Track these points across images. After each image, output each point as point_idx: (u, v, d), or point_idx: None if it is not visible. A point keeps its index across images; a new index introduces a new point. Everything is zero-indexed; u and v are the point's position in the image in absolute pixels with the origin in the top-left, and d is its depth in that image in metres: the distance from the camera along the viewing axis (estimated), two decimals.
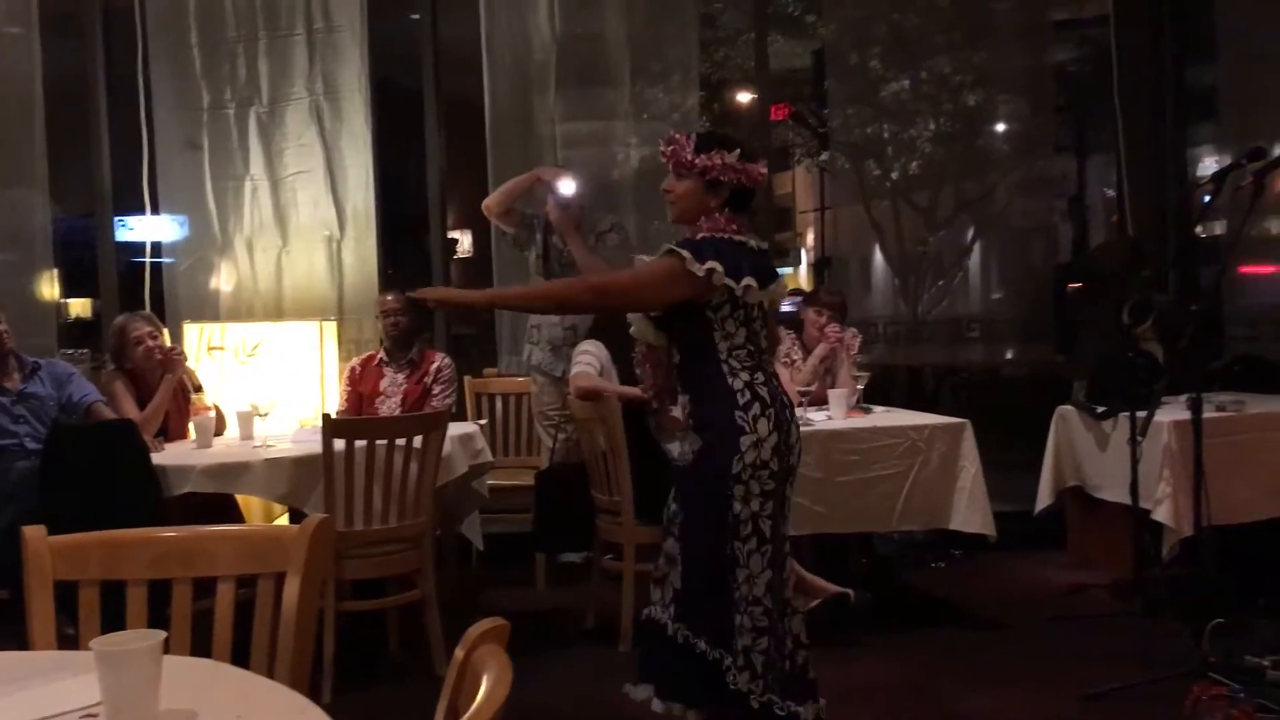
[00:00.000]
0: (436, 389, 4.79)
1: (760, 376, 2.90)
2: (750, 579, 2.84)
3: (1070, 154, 10.25)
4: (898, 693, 3.77)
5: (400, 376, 4.85)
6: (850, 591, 4.22)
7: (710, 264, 2.81)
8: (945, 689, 3.78)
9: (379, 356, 4.93)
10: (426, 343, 5.19)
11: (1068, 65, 7.92)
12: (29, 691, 1.46)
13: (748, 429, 2.82)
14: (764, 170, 3.00)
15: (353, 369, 4.97)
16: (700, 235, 2.92)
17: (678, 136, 2.98)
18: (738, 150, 2.93)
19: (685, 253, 2.82)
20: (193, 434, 4.36)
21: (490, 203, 5.14)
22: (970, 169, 6.70)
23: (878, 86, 6.91)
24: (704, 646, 2.83)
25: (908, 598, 4.95)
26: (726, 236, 2.91)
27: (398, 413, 4.69)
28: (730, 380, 2.86)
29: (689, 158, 2.92)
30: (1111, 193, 8.45)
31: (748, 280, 2.85)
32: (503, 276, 5.96)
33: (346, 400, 4.90)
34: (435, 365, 4.86)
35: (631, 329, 3.03)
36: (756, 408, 2.84)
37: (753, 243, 2.96)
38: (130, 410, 4.30)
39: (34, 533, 1.81)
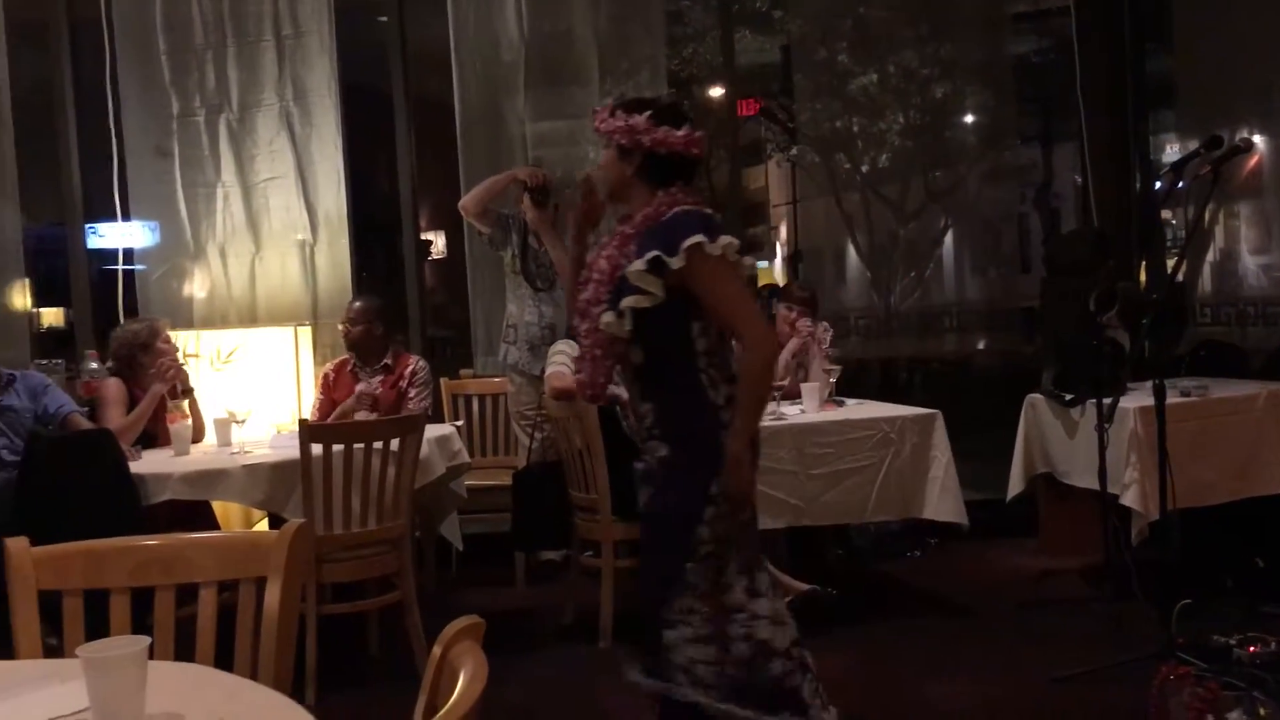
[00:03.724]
0: (412, 392, 4.80)
1: (733, 389, 2.66)
2: (695, 593, 2.63)
3: (1036, 144, 10.38)
4: (871, 682, 3.82)
5: (374, 381, 4.85)
6: (818, 588, 4.29)
7: (726, 239, 2.59)
8: (918, 677, 3.84)
9: (352, 362, 4.93)
10: (401, 345, 5.20)
11: (1031, 56, 8.03)
12: (17, 699, 1.49)
13: (726, 449, 2.59)
14: (683, 135, 2.68)
15: (326, 375, 4.97)
16: (672, 211, 2.65)
17: (597, 109, 2.81)
18: (648, 112, 2.69)
19: (702, 237, 2.55)
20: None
21: (467, 202, 5.17)
22: (939, 160, 6.77)
23: (845, 80, 6.97)
24: (637, 677, 2.66)
25: (882, 588, 5.02)
26: (698, 208, 2.67)
27: (373, 417, 4.70)
28: (711, 394, 2.64)
29: (598, 123, 2.75)
30: (1081, 180, 8.56)
31: (750, 260, 2.66)
32: (477, 276, 5.99)
33: (319, 408, 4.89)
34: (410, 369, 4.86)
35: (602, 320, 2.66)
36: None
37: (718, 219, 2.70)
38: (117, 415, 4.28)
39: (17, 544, 1.84)
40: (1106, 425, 4.07)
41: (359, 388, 4.79)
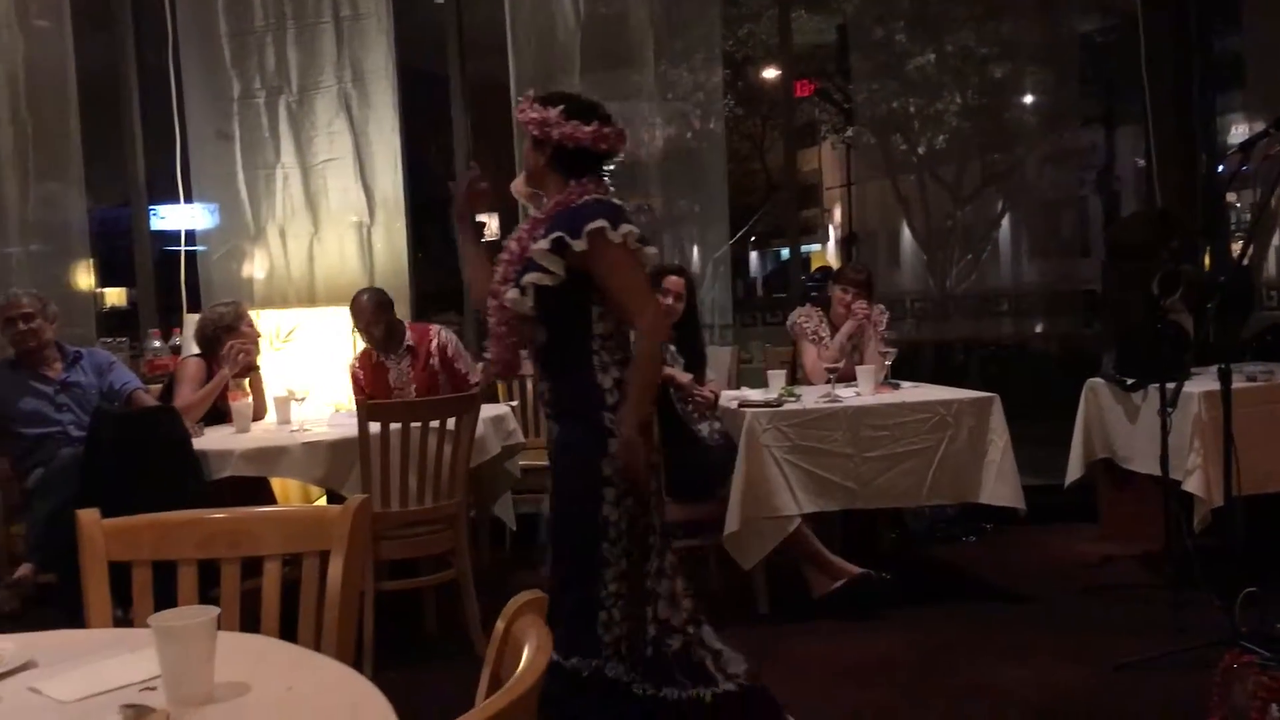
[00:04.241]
0: (460, 365, 4.74)
1: (623, 373, 2.79)
2: (619, 576, 2.79)
3: (1098, 125, 10.18)
4: (923, 666, 3.80)
5: (404, 366, 4.76)
6: (872, 572, 4.26)
7: (628, 228, 2.74)
8: (972, 662, 3.81)
9: (375, 354, 4.81)
10: (413, 320, 5.09)
11: (1094, 35, 7.88)
12: (91, 667, 1.52)
13: (615, 430, 2.73)
14: (591, 130, 2.81)
15: (355, 374, 4.84)
16: (583, 199, 2.80)
17: (520, 99, 2.97)
18: (560, 106, 2.85)
19: (605, 223, 2.71)
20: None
21: (518, 184, 5.16)
22: (997, 142, 6.70)
23: (902, 61, 6.90)
24: (572, 663, 2.76)
25: (936, 572, 4.98)
26: (608, 199, 2.81)
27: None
28: (599, 376, 2.76)
29: (517, 114, 2.94)
30: (1142, 163, 8.40)
31: (629, 228, 2.75)
32: None
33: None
34: (434, 343, 4.77)
35: (507, 297, 2.82)
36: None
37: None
38: (188, 392, 4.33)
39: (88, 515, 1.88)
40: (1170, 410, 4.00)
41: (391, 378, 4.73)
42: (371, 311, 4.74)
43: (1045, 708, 3.43)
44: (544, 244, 2.75)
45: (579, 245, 2.71)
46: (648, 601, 2.84)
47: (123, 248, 6.56)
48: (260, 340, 4.64)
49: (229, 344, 4.43)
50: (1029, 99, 6.75)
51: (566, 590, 2.83)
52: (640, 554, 2.82)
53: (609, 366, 2.78)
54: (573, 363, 2.79)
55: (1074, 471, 4.83)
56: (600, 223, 2.71)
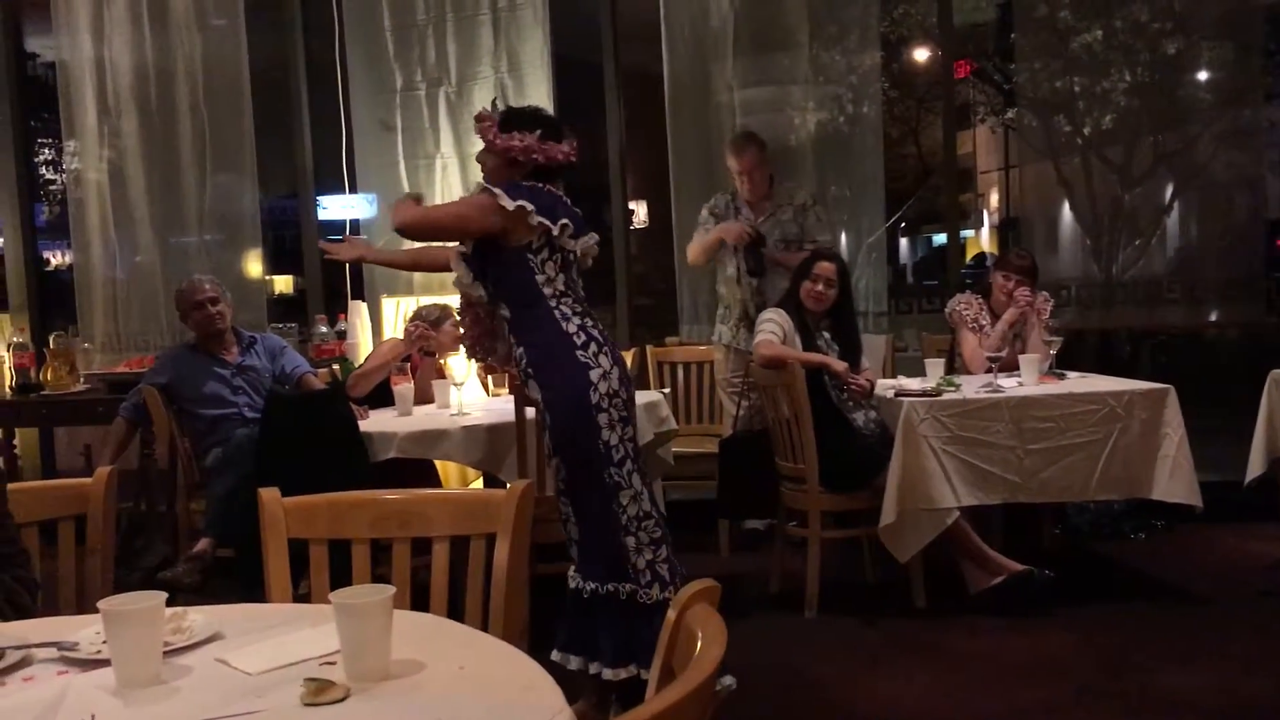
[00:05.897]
0: None
1: (589, 321, 3.12)
2: (636, 497, 3.09)
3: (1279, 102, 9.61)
4: (1091, 668, 3.65)
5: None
6: (1034, 569, 4.12)
7: (520, 202, 2.99)
8: (1143, 665, 3.64)
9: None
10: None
11: (1278, 6, 7.41)
12: (273, 640, 1.58)
13: (592, 364, 3.05)
14: (567, 149, 3.16)
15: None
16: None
17: (484, 113, 3.23)
18: (539, 130, 3.14)
19: (497, 189, 3.02)
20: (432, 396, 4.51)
21: (692, 260, 5.31)
22: (1169, 121, 6.37)
23: (1067, 38, 6.63)
24: (610, 588, 3.13)
25: (1103, 570, 4.79)
26: (540, 185, 3.11)
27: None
28: (564, 325, 3.08)
29: (492, 138, 3.17)
30: None
31: (564, 221, 3.05)
32: (683, 245, 6.01)
33: None
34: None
35: (454, 280, 3.23)
36: (594, 346, 3.07)
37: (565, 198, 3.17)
38: (367, 365, 4.54)
39: (269, 494, 1.95)
40: None
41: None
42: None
43: (1224, 716, 3.27)
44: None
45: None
46: (653, 519, 3.14)
47: (289, 237, 6.82)
48: (458, 342, 4.67)
49: (413, 321, 4.55)
50: (1204, 75, 6.40)
51: (595, 531, 3.14)
52: (642, 474, 3.12)
53: (569, 317, 3.09)
54: (538, 323, 3.09)
55: (1255, 468, 4.56)
56: (502, 188, 3.03)
